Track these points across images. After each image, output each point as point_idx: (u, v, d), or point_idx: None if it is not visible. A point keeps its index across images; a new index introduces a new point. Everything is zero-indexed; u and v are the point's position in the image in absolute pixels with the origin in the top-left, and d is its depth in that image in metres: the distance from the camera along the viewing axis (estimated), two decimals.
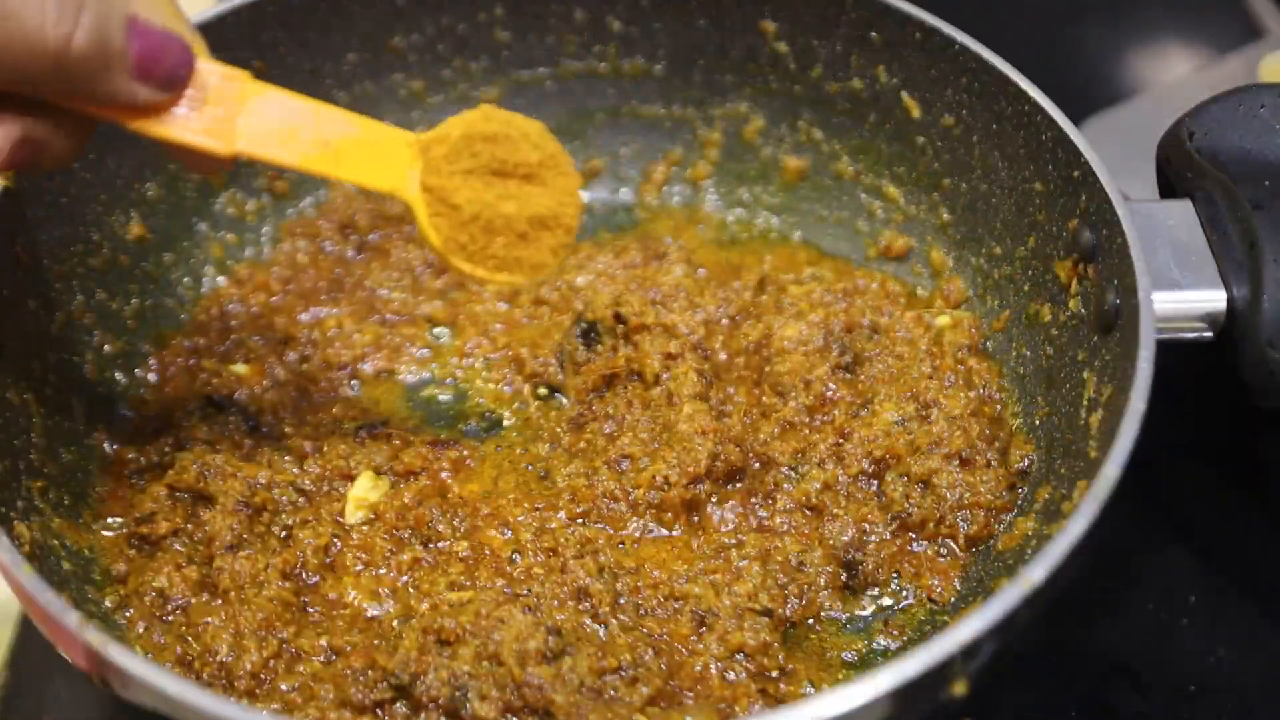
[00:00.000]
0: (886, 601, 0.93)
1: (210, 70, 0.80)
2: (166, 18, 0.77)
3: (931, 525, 0.95)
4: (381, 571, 0.92)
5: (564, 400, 1.04)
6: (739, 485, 0.98)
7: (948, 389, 1.01)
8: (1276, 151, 0.94)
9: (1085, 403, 0.92)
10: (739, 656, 0.87)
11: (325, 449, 0.99)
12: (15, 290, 0.96)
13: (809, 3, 1.12)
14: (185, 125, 0.79)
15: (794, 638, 0.90)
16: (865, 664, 0.90)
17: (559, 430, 1.02)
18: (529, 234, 0.87)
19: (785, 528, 0.95)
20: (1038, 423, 0.99)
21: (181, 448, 0.99)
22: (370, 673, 0.84)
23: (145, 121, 0.78)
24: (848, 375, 1.03)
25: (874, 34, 1.10)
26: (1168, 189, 0.99)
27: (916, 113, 1.11)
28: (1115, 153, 1.05)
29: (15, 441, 0.92)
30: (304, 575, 0.92)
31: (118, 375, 1.05)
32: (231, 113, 0.80)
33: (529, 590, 0.89)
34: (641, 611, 0.90)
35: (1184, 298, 0.90)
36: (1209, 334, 0.91)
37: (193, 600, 0.90)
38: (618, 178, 1.24)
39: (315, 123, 0.83)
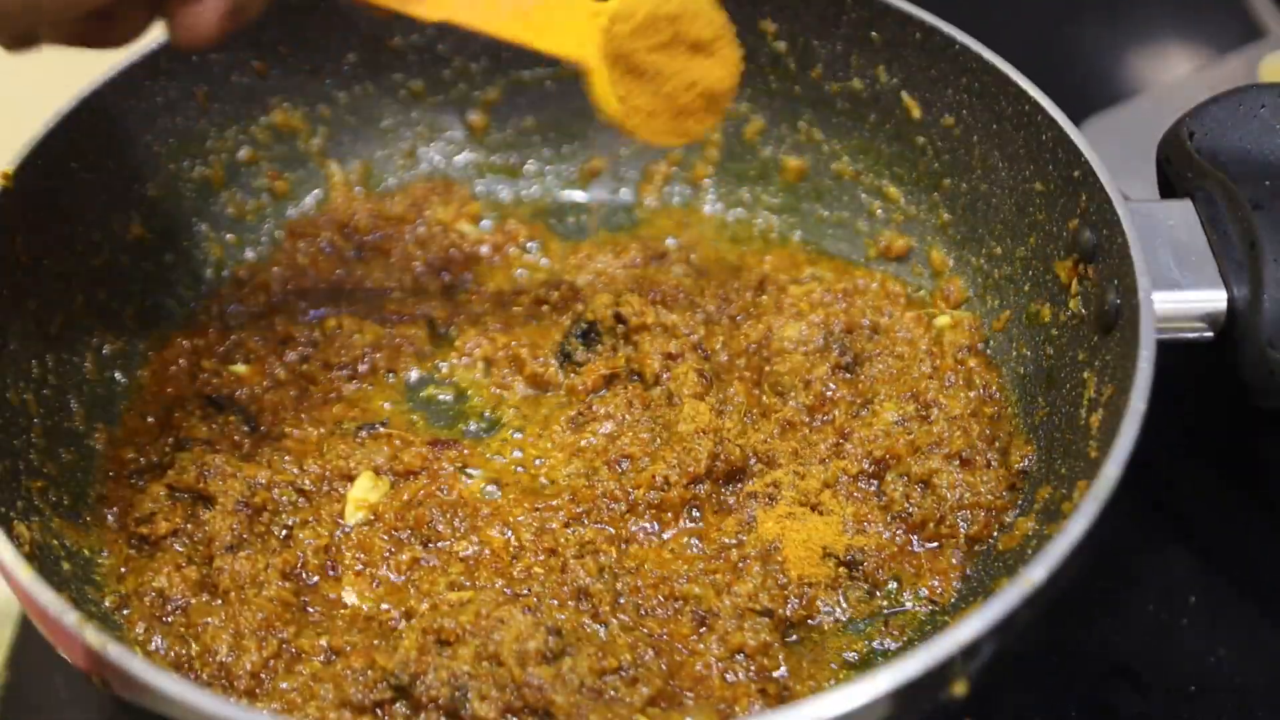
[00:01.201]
0: (886, 601, 0.93)
1: None
2: None
3: (931, 525, 0.95)
4: (382, 571, 0.92)
5: (563, 400, 1.04)
6: (739, 485, 0.98)
7: (948, 389, 1.01)
8: (1276, 151, 0.94)
9: (1085, 403, 0.92)
10: (739, 657, 0.87)
11: (325, 449, 0.99)
12: (15, 290, 0.96)
13: (809, 3, 1.12)
14: None
15: (794, 638, 0.90)
16: (865, 664, 0.90)
17: (559, 430, 1.02)
18: (694, 104, 0.95)
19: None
20: (1038, 423, 0.99)
21: (181, 448, 0.99)
22: (370, 673, 0.84)
23: None
24: (848, 375, 1.03)
25: (874, 34, 1.10)
26: (1168, 189, 0.99)
27: (916, 113, 1.11)
28: (1115, 153, 1.05)
29: (15, 441, 0.92)
30: (304, 575, 0.92)
31: (118, 375, 1.05)
32: None
33: (529, 590, 0.89)
34: (641, 611, 0.90)
35: (1184, 298, 0.90)
36: (1209, 334, 0.91)
37: (192, 600, 0.90)
38: (618, 178, 1.23)
39: None
